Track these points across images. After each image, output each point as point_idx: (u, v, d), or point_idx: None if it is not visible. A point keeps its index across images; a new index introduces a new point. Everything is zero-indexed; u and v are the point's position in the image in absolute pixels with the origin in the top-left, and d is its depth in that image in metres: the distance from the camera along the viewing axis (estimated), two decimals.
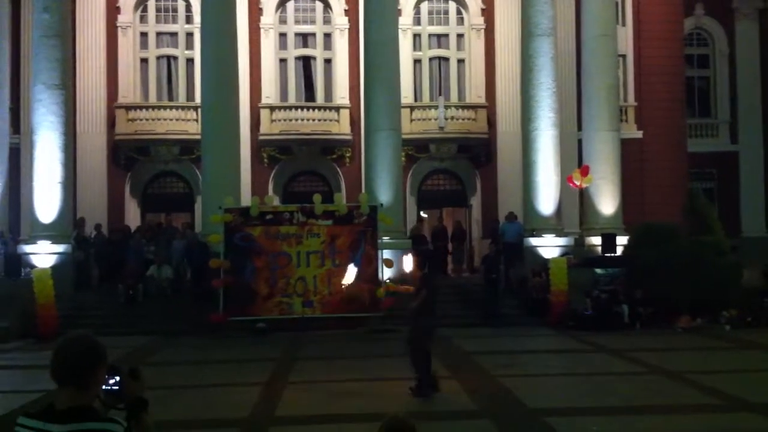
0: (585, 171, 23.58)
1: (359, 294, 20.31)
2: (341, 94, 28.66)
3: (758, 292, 21.74)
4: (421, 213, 29.21)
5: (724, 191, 31.38)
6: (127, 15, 28.44)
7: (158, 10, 28.90)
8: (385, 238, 21.71)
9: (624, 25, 29.00)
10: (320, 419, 10.62)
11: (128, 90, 28.37)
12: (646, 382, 13.11)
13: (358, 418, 10.18)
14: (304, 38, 29.31)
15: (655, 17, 28.90)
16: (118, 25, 28.39)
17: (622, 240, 23.15)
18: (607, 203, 24.51)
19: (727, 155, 31.67)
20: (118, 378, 3.18)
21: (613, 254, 22.76)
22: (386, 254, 21.29)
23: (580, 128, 26.14)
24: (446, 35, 29.41)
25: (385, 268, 20.99)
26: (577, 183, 23.47)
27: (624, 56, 28.90)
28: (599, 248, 23.29)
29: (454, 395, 12.05)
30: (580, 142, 25.94)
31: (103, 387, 3.15)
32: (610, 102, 25.05)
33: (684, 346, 17.60)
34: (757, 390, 12.05)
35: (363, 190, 23.87)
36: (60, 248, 22.63)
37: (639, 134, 28.93)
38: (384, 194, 23.01)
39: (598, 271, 22.25)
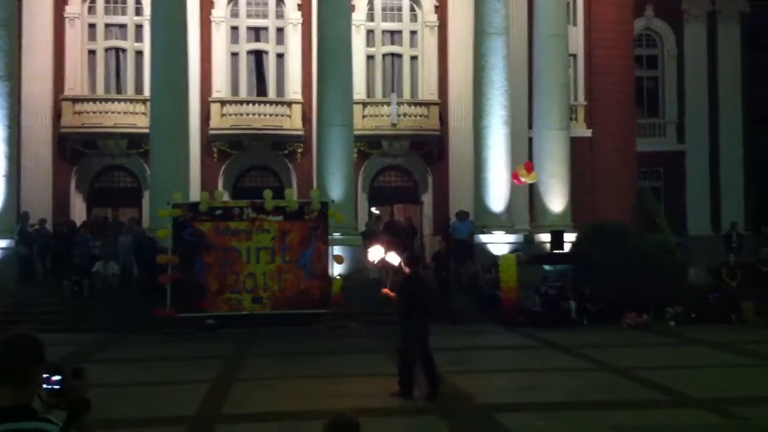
0: (530, 167, 23.77)
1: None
2: (293, 89, 28.49)
3: (703, 289, 22.16)
4: (373, 209, 29.20)
5: (671, 190, 31.94)
6: (75, 6, 27.88)
7: (107, 1, 28.37)
8: (336, 235, 21.65)
9: (575, 25, 29.29)
10: (268, 417, 10.54)
11: (75, 82, 27.84)
12: (592, 378, 13.26)
13: (306, 416, 10.12)
14: (257, 32, 29.06)
15: (606, 18, 29.25)
16: (65, 16, 27.83)
17: (570, 237, 23.42)
18: (556, 201, 24.76)
19: (674, 154, 32.22)
20: (60, 377, 3.11)
21: (561, 251, 23.00)
22: (337, 250, 21.25)
23: (531, 126, 26.36)
24: (399, 32, 29.41)
25: (335, 265, 20.94)
26: (523, 179, 23.65)
27: (575, 56, 29.19)
28: (548, 245, 23.52)
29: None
30: (530, 140, 26.16)
31: (45, 386, 3.07)
32: (561, 101, 25.32)
33: (630, 342, 17.85)
34: (701, 385, 12.26)
35: (315, 186, 23.77)
36: (3, 243, 22.15)
37: (588, 133, 29.26)
38: (335, 190, 22.94)
39: (547, 267, 22.46)
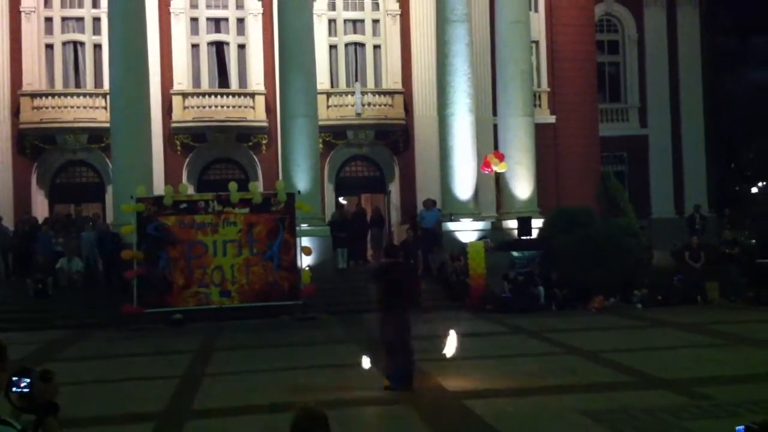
0: (500, 156, 23.84)
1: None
2: (256, 80, 28.27)
3: (668, 271, 22.41)
4: (341, 200, 29.12)
5: (635, 174, 32.26)
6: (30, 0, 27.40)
7: None
8: (304, 226, 21.55)
9: (537, 11, 29.40)
10: (239, 411, 10.45)
11: (33, 77, 27.38)
12: (561, 362, 13.33)
13: (276, 408, 10.05)
14: (217, 23, 28.77)
15: (567, 3, 29.40)
16: (21, 9, 27.34)
17: (537, 223, 23.54)
18: (522, 187, 24.86)
19: (637, 139, 32.53)
20: (29, 380, 3.04)
21: (528, 237, 23.11)
22: (305, 242, 21.15)
23: (495, 114, 26.43)
24: (362, 21, 29.28)
25: (303, 256, 20.85)
26: (494, 168, 23.71)
27: (537, 42, 29.32)
28: (515, 232, 23.62)
29: (373, 381, 12.01)
30: (495, 127, 26.23)
31: (14, 389, 3.02)
32: (524, 88, 25.40)
33: (598, 325, 18.00)
34: (668, 367, 12.38)
35: (280, 178, 23.62)
36: None
37: (552, 119, 29.43)
38: (301, 181, 22.81)
39: (515, 254, 22.56)
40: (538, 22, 29.34)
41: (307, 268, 20.85)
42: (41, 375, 3.10)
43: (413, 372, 11.39)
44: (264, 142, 28.15)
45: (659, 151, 32.66)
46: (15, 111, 27.11)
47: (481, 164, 24.10)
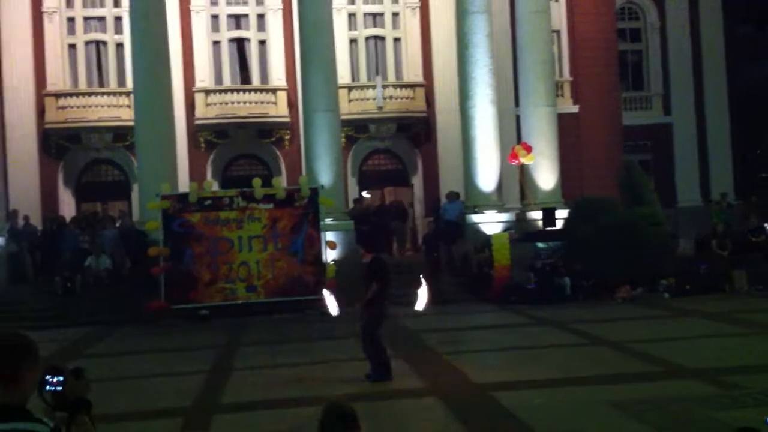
0: (528, 148, 23.69)
1: None
2: (277, 76, 28.34)
3: (694, 260, 22.22)
4: (363, 193, 29.15)
5: (659, 163, 31.96)
6: (52, 0, 27.59)
7: None
8: (328, 220, 21.60)
9: (557, 0, 29.19)
10: (266, 405, 10.52)
11: (57, 77, 27.62)
12: (588, 353, 13.30)
13: (304, 403, 10.10)
14: (237, 20, 28.85)
15: None
16: (43, 10, 27.57)
17: (562, 214, 23.41)
18: (546, 178, 24.73)
19: (661, 127, 32.22)
20: (61, 378, 3.07)
21: (553, 228, 23.00)
22: (329, 236, 21.19)
23: (517, 104, 26.31)
24: (381, 14, 29.24)
25: (328, 250, 20.89)
26: (521, 159, 23.60)
27: (558, 32, 29.13)
28: (539, 223, 23.52)
29: (401, 374, 12.04)
30: (518, 118, 26.12)
31: (47, 387, 3.05)
32: (546, 77, 25.23)
33: (624, 315, 17.89)
34: (696, 356, 12.31)
35: (303, 173, 23.67)
36: None
37: (575, 109, 29.25)
38: (324, 176, 22.84)
39: (539, 245, 22.46)
40: (559, 12, 29.15)
41: (332, 263, 20.88)
42: (73, 372, 3.13)
43: (384, 364, 11.56)
44: (286, 137, 28.22)
45: (683, 139, 32.34)
46: (40, 111, 27.37)
47: (505, 156, 23.98)
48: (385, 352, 11.66)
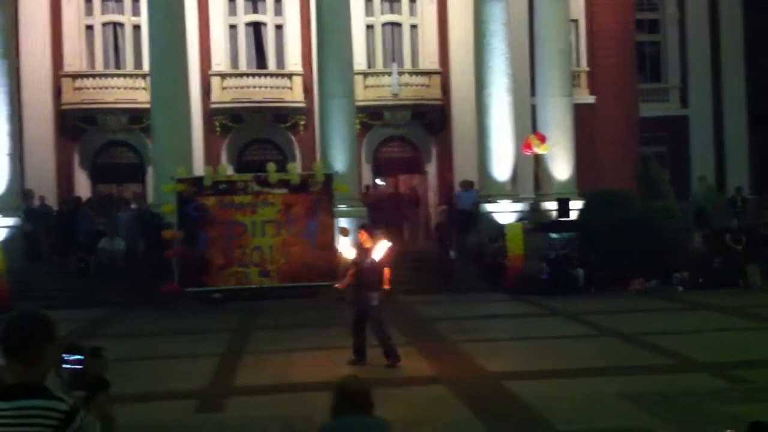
0: (542, 137, 23.64)
1: None
2: (293, 61, 28.31)
3: (708, 254, 22.14)
4: (377, 180, 29.15)
5: (675, 155, 31.79)
6: None
7: None
8: (341, 206, 21.62)
9: None
10: (279, 389, 10.58)
11: (74, 58, 27.68)
12: (599, 344, 13.31)
13: (317, 387, 10.15)
14: (254, 4, 28.81)
15: None
16: None
17: (576, 204, 23.35)
18: (561, 168, 24.66)
19: (677, 119, 32.03)
20: (80, 357, 3.09)
21: (567, 219, 22.96)
22: (342, 222, 21.22)
23: (533, 94, 26.21)
24: (398, 0, 29.14)
25: (341, 236, 20.93)
26: (535, 150, 23.54)
27: (576, 21, 28.96)
28: (554, 213, 23.48)
29: (412, 361, 12.09)
30: (533, 107, 26.03)
31: (66, 366, 3.06)
32: (563, 67, 25.12)
33: (637, 308, 17.88)
34: (708, 350, 12.30)
35: (317, 158, 23.69)
36: (9, 221, 22.13)
37: (591, 99, 29.12)
38: (339, 162, 22.85)
39: (553, 235, 22.42)
40: (577, 1, 28.97)
41: (344, 251, 20.87)
42: (91, 351, 3.14)
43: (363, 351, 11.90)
44: (301, 122, 28.23)
45: (700, 132, 32.14)
46: (57, 92, 27.46)
47: (520, 145, 23.93)
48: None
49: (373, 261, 11.93)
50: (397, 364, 11.59)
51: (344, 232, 21.04)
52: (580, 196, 23.95)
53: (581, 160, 25.68)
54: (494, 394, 10.06)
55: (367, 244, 12.20)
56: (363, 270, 11.95)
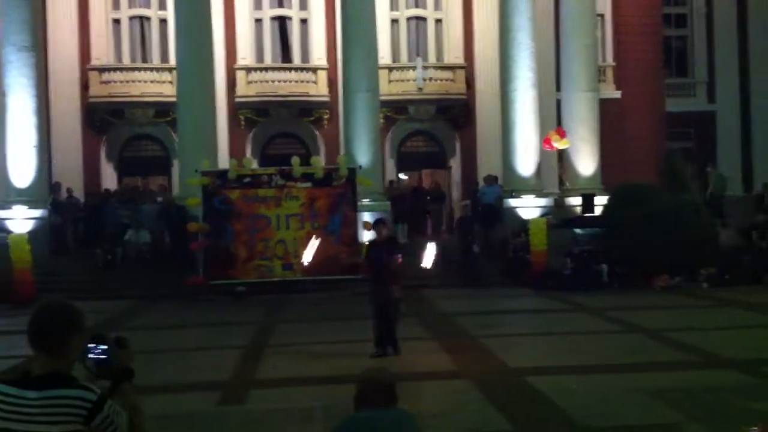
0: (562, 133, 23.54)
1: None
2: (318, 55, 28.36)
3: (735, 250, 21.93)
4: (401, 175, 29.14)
5: (702, 151, 31.50)
6: None
7: None
8: (365, 201, 21.64)
9: None
10: (302, 381, 10.63)
11: (101, 52, 27.91)
12: (624, 340, 13.22)
13: (340, 380, 10.18)
14: None
15: None
16: None
17: (601, 200, 23.22)
18: (585, 164, 24.53)
19: (704, 115, 31.75)
20: (105, 347, 3.11)
21: (591, 214, 22.83)
22: (366, 217, 21.21)
23: (558, 89, 26.07)
24: None
25: (364, 231, 20.92)
26: (555, 145, 23.44)
27: (602, 16, 28.77)
28: (578, 209, 23.36)
29: (435, 356, 12.10)
30: (558, 102, 25.89)
31: (91, 356, 3.07)
32: (589, 62, 24.97)
33: (662, 304, 17.75)
34: (733, 347, 12.19)
35: (341, 152, 23.72)
36: (36, 213, 22.38)
37: (617, 94, 28.92)
38: (362, 156, 22.87)
39: (577, 231, 22.32)
40: None
41: (367, 243, 20.89)
42: (116, 341, 3.16)
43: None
44: (326, 116, 28.28)
45: (727, 128, 31.84)
46: (84, 85, 27.70)
47: (542, 141, 23.82)
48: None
49: (387, 256, 11.96)
50: (379, 355, 11.68)
51: (367, 226, 21.01)
52: (605, 192, 23.82)
53: (607, 156, 25.52)
54: (517, 389, 10.03)
55: (379, 238, 12.37)
56: (378, 263, 12.01)
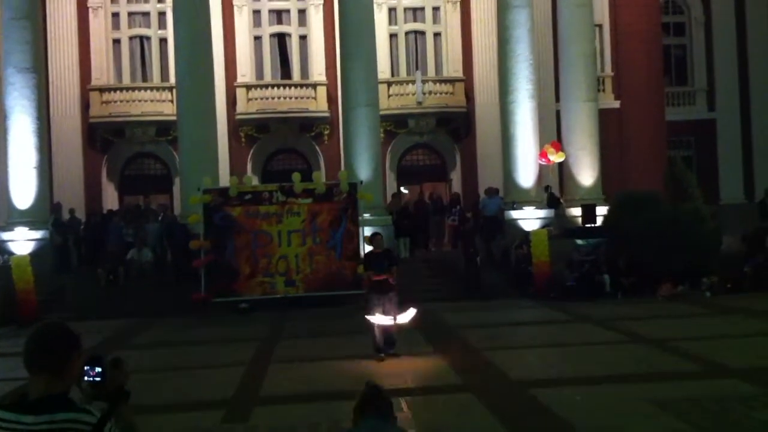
0: (557, 146, 23.58)
1: None
2: (318, 71, 28.46)
3: (738, 257, 21.85)
4: (402, 189, 29.16)
5: (703, 159, 31.51)
6: None
7: None
8: (366, 215, 21.64)
9: None
10: (305, 398, 10.59)
11: (101, 72, 28.04)
12: (628, 351, 13.17)
13: (343, 396, 10.15)
14: (279, 15, 29.04)
15: None
16: (89, 5, 28.02)
17: (602, 210, 23.20)
18: (586, 174, 24.54)
19: (704, 123, 31.76)
20: (100, 369, 3.10)
21: (593, 224, 22.81)
22: (368, 231, 21.21)
23: (557, 99, 26.11)
24: (422, 8, 29.21)
25: (366, 245, 20.92)
26: (551, 158, 23.47)
27: (600, 26, 28.84)
28: (579, 219, 23.34)
29: (438, 369, 12.07)
30: (558, 113, 25.92)
31: (86, 378, 3.06)
32: (588, 72, 25.01)
33: (665, 313, 17.70)
34: (737, 355, 12.14)
35: (342, 167, 23.75)
36: (38, 234, 22.41)
37: (617, 104, 28.96)
38: (363, 171, 22.90)
39: (579, 241, 22.29)
40: (602, 5, 28.85)
41: (365, 254, 20.88)
42: (112, 362, 3.13)
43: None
44: (326, 132, 28.34)
45: (728, 135, 31.84)
46: (85, 105, 27.82)
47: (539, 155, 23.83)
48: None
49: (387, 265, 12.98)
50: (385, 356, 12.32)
51: (369, 240, 21.04)
52: (605, 202, 23.81)
53: (608, 166, 25.53)
54: (521, 401, 10.00)
55: (376, 250, 13.40)
56: (379, 270, 12.94)
